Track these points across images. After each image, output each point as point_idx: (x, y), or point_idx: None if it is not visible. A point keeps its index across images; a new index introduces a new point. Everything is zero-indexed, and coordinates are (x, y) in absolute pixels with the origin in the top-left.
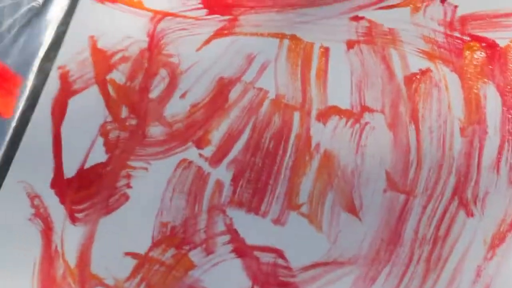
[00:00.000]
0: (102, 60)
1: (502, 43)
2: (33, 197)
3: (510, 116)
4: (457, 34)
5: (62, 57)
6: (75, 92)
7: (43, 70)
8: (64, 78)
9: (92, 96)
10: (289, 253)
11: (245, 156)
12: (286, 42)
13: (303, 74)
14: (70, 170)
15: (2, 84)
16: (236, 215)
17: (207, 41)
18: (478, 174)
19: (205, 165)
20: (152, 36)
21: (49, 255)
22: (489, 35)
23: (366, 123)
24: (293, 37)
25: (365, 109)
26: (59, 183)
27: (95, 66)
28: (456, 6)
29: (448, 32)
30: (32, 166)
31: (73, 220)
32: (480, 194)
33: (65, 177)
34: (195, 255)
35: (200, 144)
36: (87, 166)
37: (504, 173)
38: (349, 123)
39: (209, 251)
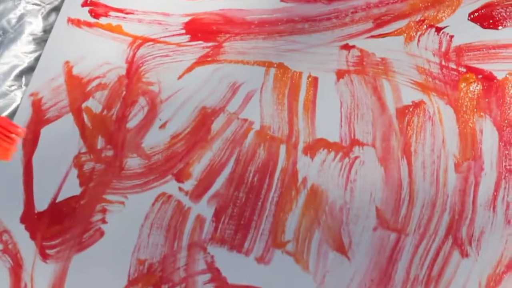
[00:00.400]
0: (77, 87)
1: (499, 75)
2: (2, 232)
3: (507, 152)
4: (452, 65)
5: (35, 84)
6: (48, 121)
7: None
8: (37, 106)
9: (66, 126)
10: None
11: (228, 191)
12: (272, 70)
13: (290, 104)
14: (41, 203)
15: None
16: (218, 252)
17: (189, 69)
18: (473, 212)
19: (185, 199)
20: (131, 63)
21: None
22: (486, 66)
23: (356, 157)
24: (280, 66)
25: (355, 142)
26: (29, 217)
27: (69, 94)
28: (452, 36)
29: (443, 63)
30: (1, 199)
31: (44, 257)
32: (476, 233)
33: (36, 211)
34: None
35: (180, 177)
36: (59, 199)
37: (500, 211)
38: (338, 157)
39: None
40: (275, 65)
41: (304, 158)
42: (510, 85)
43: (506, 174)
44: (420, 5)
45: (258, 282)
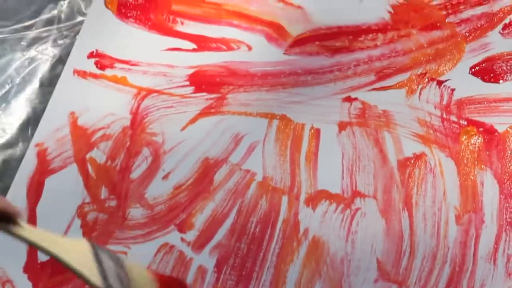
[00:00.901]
0: (82, 138)
1: (500, 128)
2: (5, 282)
3: (508, 204)
4: (453, 118)
5: (40, 134)
6: (53, 171)
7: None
8: (41, 156)
9: (70, 176)
10: None
11: (229, 241)
12: (275, 122)
13: (292, 156)
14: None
15: None
16: None
17: (193, 120)
18: (474, 264)
19: (187, 250)
20: (135, 114)
21: None
22: (487, 120)
23: (357, 209)
24: (283, 118)
25: (356, 194)
26: (32, 268)
27: (74, 144)
28: (453, 89)
29: (445, 116)
30: (5, 249)
31: None
32: (476, 285)
33: (39, 261)
34: None
35: (182, 227)
36: None
37: (501, 264)
38: (339, 209)
39: None
40: (278, 117)
41: (305, 209)
42: (511, 138)
43: (507, 227)
44: (422, 58)
45: None
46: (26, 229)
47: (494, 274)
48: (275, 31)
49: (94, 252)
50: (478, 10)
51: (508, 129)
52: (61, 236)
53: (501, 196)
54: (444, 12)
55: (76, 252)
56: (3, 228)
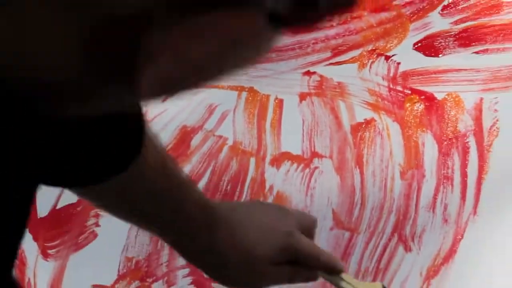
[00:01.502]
0: None
1: (439, 96)
2: None
3: (445, 161)
4: (399, 88)
5: None
6: None
7: None
8: None
9: None
10: None
11: None
12: (244, 94)
13: (259, 123)
14: (43, 210)
15: None
16: None
17: None
18: (416, 213)
19: None
20: None
21: None
22: (428, 89)
23: (316, 168)
24: (251, 90)
25: (314, 155)
26: (33, 222)
27: None
28: (399, 63)
29: (391, 86)
30: None
31: (45, 256)
32: (418, 231)
33: (38, 217)
34: (158, 287)
35: None
36: (59, 206)
37: (439, 212)
38: (300, 168)
39: (170, 283)
40: (246, 89)
41: (271, 169)
42: (448, 105)
43: (444, 181)
44: (372, 37)
45: None
46: (345, 280)
47: (433, 221)
48: None
49: None
50: None
51: (446, 96)
52: (361, 281)
53: (439, 154)
54: None
55: None
56: (331, 280)
